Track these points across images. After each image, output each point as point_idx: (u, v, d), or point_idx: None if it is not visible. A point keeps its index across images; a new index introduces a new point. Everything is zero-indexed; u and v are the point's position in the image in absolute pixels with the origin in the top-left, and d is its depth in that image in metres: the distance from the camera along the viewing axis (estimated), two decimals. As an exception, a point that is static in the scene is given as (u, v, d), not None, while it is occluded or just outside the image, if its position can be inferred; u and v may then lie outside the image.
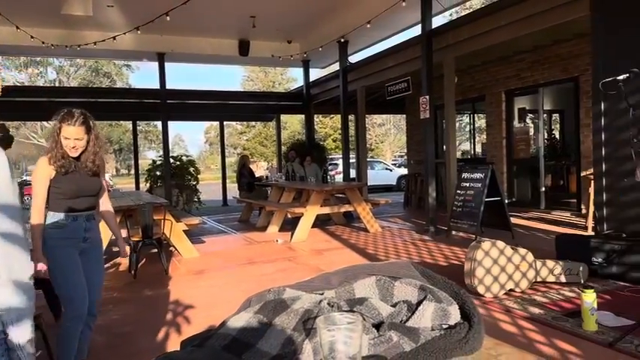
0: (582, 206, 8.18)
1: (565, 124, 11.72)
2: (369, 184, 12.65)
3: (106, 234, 4.17)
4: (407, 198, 11.97)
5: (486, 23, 7.18)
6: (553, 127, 12.45)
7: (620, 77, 3.40)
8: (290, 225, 8.26)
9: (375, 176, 17.94)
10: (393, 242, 7.12)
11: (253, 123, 36.16)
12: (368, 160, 21.30)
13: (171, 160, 11.58)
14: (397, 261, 1.45)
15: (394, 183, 18.62)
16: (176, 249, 6.67)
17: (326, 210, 8.22)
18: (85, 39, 9.61)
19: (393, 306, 1.24)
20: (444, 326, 1.18)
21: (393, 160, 31.22)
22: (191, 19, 9.17)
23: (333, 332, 0.97)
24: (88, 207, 2.81)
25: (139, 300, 4.79)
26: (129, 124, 30.81)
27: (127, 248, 3.21)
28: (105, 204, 3.01)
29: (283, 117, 32.60)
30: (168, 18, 7.90)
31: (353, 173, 12.49)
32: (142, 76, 65.05)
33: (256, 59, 12.66)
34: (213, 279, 5.45)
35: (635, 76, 3.41)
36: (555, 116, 12.30)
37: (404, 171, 16.90)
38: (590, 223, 6.26)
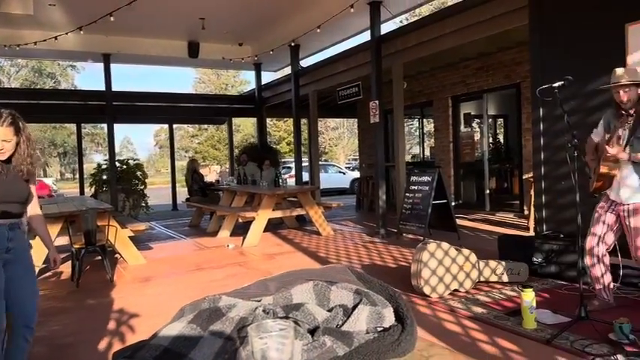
0: (525, 208, 8.51)
1: (508, 128, 12.18)
2: (322, 187, 12.72)
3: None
4: (359, 201, 12.10)
5: (433, 31, 7.37)
6: (497, 132, 12.91)
7: (556, 84, 3.56)
8: (242, 230, 8.18)
9: (329, 179, 18.06)
10: (345, 245, 7.18)
11: (205, 126, 35.62)
12: (321, 163, 21.49)
13: (118, 164, 11.23)
14: (334, 266, 1.47)
15: (347, 186, 18.81)
16: (121, 256, 6.47)
17: (278, 214, 8.20)
18: (24, 38, 9.19)
19: (330, 311, 1.26)
20: (379, 329, 1.20)
21: (346, 164, 31.48)
22: (138, 20, 8.95)
23: (265, 340, 0.97)
24: (12, 215, 2.60)
25: (81, 309, 4.62)
26: (74, 127, 29.71)
27: (58, 258, 3.01)
28: (33, 209, 2.82)
29: (236, 120, 32.37)
30: (112, 18, 7.67)
31: (306, 177, 12.52)
32: (89, 76, 62.89)
33: (207, 61, 12.50)
34: (160, 286, 5.32)
35: (569, 83, 3.59)
36: (499, 121, 12.76)
37: (357, 174, 17.08)
38: (532, 224, 6.52)
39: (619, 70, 3.49)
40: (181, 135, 40.40)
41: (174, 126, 15.49)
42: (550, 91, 3.56)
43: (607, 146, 3.40)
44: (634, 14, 4.34)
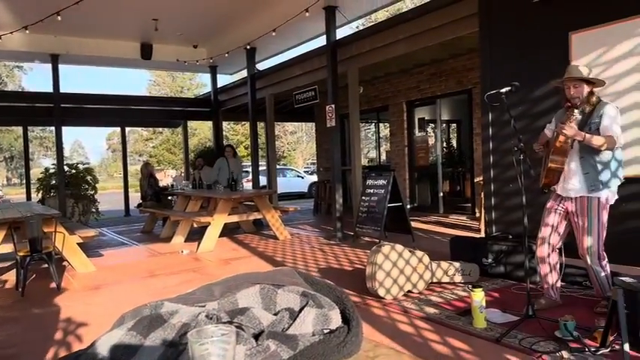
0: (476, 210, 8.75)
1: (461, 133, 12.52)
2: (280, 191, 12.67)
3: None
4: (316, 205, 12.13)
5: (386, 36, 7.49)
6: (450, 137, 13.24)
7: (503, 90, 3.68)
8: (197, 235, 8.04)
9: (287, 184, 18.03)
10: (302, 249, 7.17)
11: (160, 129, 34.89)
12: (279, 167, 21.41)
13: (67, 168, 10.83)
14: (281, 268, 1.46)
15: (306, 190, 18.82)
16: (70, 263, 6.24)
17: (234, 218, 8.11)
18: (-36, 37, 8.75)
19: (276, 314, 1.25)
20: (325, 331, 1.20)
21: (305, 168, 31.51)
22: (88, 20, 8.68)
23: (206, 345, 0.95)
24: None
25: (26, 319, 4.41)
26: (21, 130, 28.46)
27: None
28: None
29: (193, 123, 31.89)
30: (59, 17, 7.40)
31: (264, 181, 12.44)
32: (38, 77, 60.45)
33: (160, 63, 12.26)
34: (111, 294, 5.15)
35: (516, 89, 3.71)
36: (452, 126, 13.09)
37: (316, 178, 17.13)
38: (483, 226, 6.70)
39: (573, 67, 3.61)
40: (135, 138, 39.43)
41: (128, 129, 15.08)
42: (497, 97, 3.67)
43: (562, 127, 3.44)
44: (578, 23, 4.54)
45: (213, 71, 12.38)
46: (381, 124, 13.37)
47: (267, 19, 8.56)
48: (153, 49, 10.92)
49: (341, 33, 8.44)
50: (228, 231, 8.72)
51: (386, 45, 7.53)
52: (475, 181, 8.80)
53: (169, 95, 34.17)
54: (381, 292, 4.25)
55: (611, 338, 2.95)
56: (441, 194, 10.33)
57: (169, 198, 10.44)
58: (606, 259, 3.58)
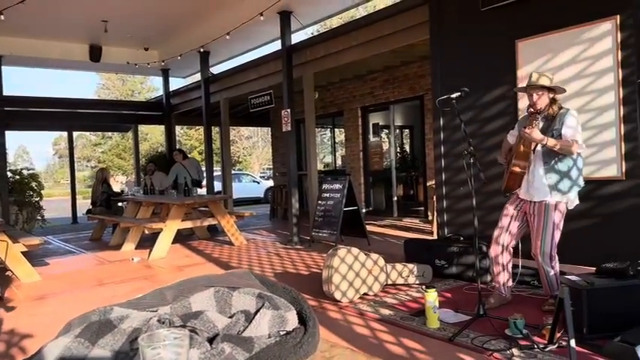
0: (429, 213, 8.93)
1: (414, 138, 12.79)
2: (236, 197, 12.52)
3: None
4: (273, 210, 12.06)
5: (340, 42, 7.56)
6: (404, 142, 13.49)
7: (453, 95, 3.78)
8: (148, 242, 7.82)
9: (243, 189, 17.86)
10: (257, 254, 7.11)
11: (110, 134, 33.85)
12: (235, 172, 21.20)
13: (10, 174, 10.33)
14: (236, 271, 1.44)
15: (262, 195, 18.71)
16: (13, 273, 5.94)
17: (188, 224, 7.94)
18: None
19: (231, 317, 1.23)
20: (282, 333, 1.19)
21: (261, 173, 31.34)
22: (33, 20, 8.33)
23: (159, 350, 0.92)
24: None
25: (-37, 334, 4.16)
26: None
27: None
28: None
29: (144, 128, 31.10)
30: (2, 17, 7.07)
31: (218, 186, 12.26)
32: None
33: (110, 66, 11.88)
34: (57, 304, 4.94)
35: (466, 94, 3.82)
36: (406, 132, 13.35)
37: (272, 183, 17.05)
38: (435, 229, 6.84)
39: (534, 75, 3.71)
40: (83, 144, 38.10)
41: (75, 134, 14.54)
42: (448, 102, 3.78)
43: (526, 132, 3.53)
44: (523, 31, 4.72)
45: (166, 74, 12.12)
46: (336, 130, 13.46)
47: (222, 22, 8.47)
48: (102, 51, 10.59)
49: (297, 38, 8.46)
50: (182, 238, 8.54)
51: (340, 51, 7.60)
52: (428, 184, 8.99)
53: (120, 99, 33.20)
54: (338, 295, 4.26)
55: (559, 335, 3.07)
56: (395, 198, 10.50)
57: (120, 204, 10.13)
58: (557, 260, 3.72)
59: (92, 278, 6.03)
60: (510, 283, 3.98)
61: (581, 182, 3.66)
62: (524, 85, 3.80)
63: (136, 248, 7.96)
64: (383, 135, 12.15)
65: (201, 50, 9.71)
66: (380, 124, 11.44)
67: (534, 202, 3.70)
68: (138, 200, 8.80)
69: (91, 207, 10.05)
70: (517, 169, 3.69)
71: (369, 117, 10.99)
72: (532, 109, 3.70)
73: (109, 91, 37.65)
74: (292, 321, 1.24)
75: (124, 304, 1.24)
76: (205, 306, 1.25)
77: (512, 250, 3.92)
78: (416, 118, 10.60)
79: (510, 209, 3.86)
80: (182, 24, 9.25)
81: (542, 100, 3.64)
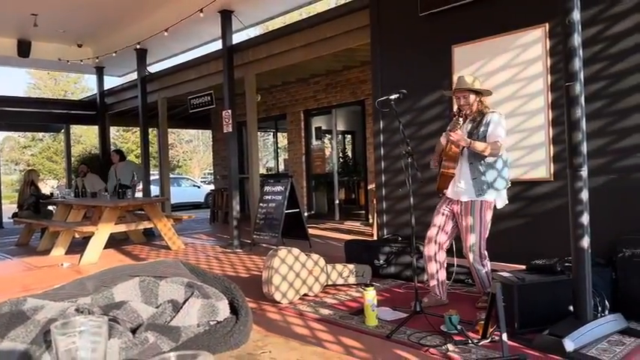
0: (370, 216, 9.04)
1: (355, 144, 12.94)
2: (176, 201, 12.19)
3: None
4: (213, 214, 11.82)
5: (282, 44, 7.54)
6: (346, 147, 13.63)
7: (392, 96, 3.83)
8: (80, 247, 7.43)
9: (183, 193, 17.39)
10: (196, 257, 6.92)
11: (40, 136, 32.11)
12: (175, 176, 20.63)
13: None
14: (164, 260, 1.36)
15: (202, 200, 18.26)
16: None
17: (121, 228, 7.61)
18: None
19: (158, 307, 1.16)
20: (212, 322, 1.14)
21: (202, 178, 30.69)
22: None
23: (74, 338, 0.84)
24: None
25: None
26: None
27: None
28: None
29: (78, 130, 29.71)
30: None
31: (156, 190, 11.87)
32: None
33: (40, 62, 11.26)
34: (-26, 312, 4.57)
35: (404, 96, 3.88)
36: (348, 137, 13.50)
37: (213, 187, 16.73)
38: (375, 231, 6.92)
39: (462, 78, 3.83)
40: (11, 146, 35.91)
41: (2, 135, 13.64)
42: (387, 103, 3.82)
43: (449, 134, 3.65)
44: (459, 37, 4.88)
45: (100, 72, 11.64)
46: (279, 134, 13.41)
47: (159, 19, 8.22)
48: (32, 47, 10.02)
49: (240, 38, 8.36)
50: (115, 242, 8.19)
51: (282, 52, 7.58)
52: (369, 188, 9.11)
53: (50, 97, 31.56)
54: (277, 296, 4.20)
55: (491, 330, 3.16)
56: (337, 202, 10.57)
57: (49, 208, 9.59)
58: (487, 258, 3.83)
59: (17, 285, 5.64)
60: (446, 283, 4.05)
61: (508, 181, 3.79)
62: (455, 85, 3.91)
63: (65, 253, 7.56)
64: (325, 140, 12.22)
65: (138, 47, 9.39)
66: (322, 128, 11.50)
67: (462, 201, 3.80)
68: (68, 203, 8.36)
69: (17, 210, 9.45)
70: (446, 171, 3.78)
71: (311, 121, 11.02)
72: (454, 112, 3.83)
73: (40, 91, 35.65)
74: (223, 310, 1.18)
75: (40, 295, 1.14)
76: (129, 296, 1.17)
77: (446, 249, 4.00)
78: (358, 123, 10.73)
79: (441, 209, 3.95)
80: (118, 19, 8.89)
81: (468, 103, 3.77)
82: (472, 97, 3.77)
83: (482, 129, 3.71)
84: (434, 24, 5.09)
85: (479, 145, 3.60)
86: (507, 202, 3.87)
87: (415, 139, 5.13)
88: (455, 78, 4.85)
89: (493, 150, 3.63)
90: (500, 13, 4.59)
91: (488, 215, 3.79)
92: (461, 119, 3.75)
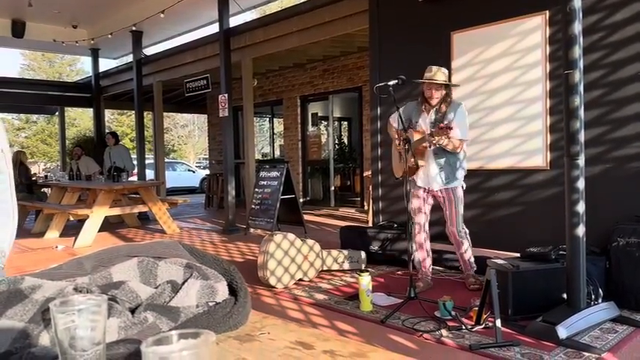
0: (365, 203, 9.06)
1: (352, 131, 12.90)
2: (171, 186, 12.15)
3: None
4: (208, 199, 11.80)
5: (279, 28, 7.47)
6: (342, 134, 13.59)
7: (391, 82, 3.81)
8: (74, 230, 7.43)
9: (178, 178, 17.35)
10: (191, 242, 6.92)
11: (35, 118, 31.86)
12: (170, 161, 20.55)
13: None
14: (163, 240, 1.35)
15: (197, 185, 18.25)
16: None
17: (116, 211, 7.60)
18: None
19: (157, 288, 1.15)
20: (210, 304, 1.13)
21: (197, 162, 30.60)
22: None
23: (72, 317, 0.84)
24: None
25: None
26: None
27: None
28: None
29: (72, 113, 29.48)
30: None
31: (151, 174, 11.83)
32: None
33: (35, 43, 11.13)
34: (-32, 293, 4.57)
35: (402, 82, 3.86)
36: (344, 124, 13.45)
37: (208, 172, 16.70)
38: (370, 217, 6.94)
39: (434, 68, 3.92)
40: (5, 128, 35.57)
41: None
42: (385, 89, 3.80)
43: (432, 139, 3.75)
44: (458, 24, 4.85)
45: (95, 54, 11.51)
46: (275, 119, 13.34)
47: (156, 0, 8.12)
48: (26, 27, 9.89)
49: (237, 22, 8.28)
50: (110, 225, 8.19)
51: (279, 36, 7.51)
52: (365, 175, 9.11)
53: (44, 79, 31.25)
54: (272, 281, 4.21)
55: (485, 316, 3.18)
56: (333, 188, 10.57)
57: (43, 190, 9.54)
58: (468, 232, 4.05)
59: (11, 267, 5.59)
60: (431, 269, 4.20)
61: (465, 166, 4.05)
62: (427, 75, 3.98)
63: (60, 236, 7.55)
64: (322, 126, 12.17)
65: (134, 29, 9.28)
66: (319, 114, 11.44)
67: (440, 189, 3.98)
68: (63, 185, 8.33)
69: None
70: (418, 164, 3.91)
71: (308, 107, 10.97)
72: (427, 104, 3.97)
73: (35, 73, 35.28)
74: (222, 292, 1.18)
75: (37, 274, 1.13)
76: (128, 276, 1.16)
77: (427, 230, 4.14)
78: (354, 110, 10.68)
79: (418, 195, 4.08)
80: (114, 1, 8.79)
81: (440, 95, 3.91)
82: (442, 89, 3.93)
83: (449, 118, 3.86)
84: (433, 10, 5.04)
85: (451, 144, 3.79)
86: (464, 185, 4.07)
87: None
88: (453, 65, 4.87)
89: (461, 146, 3.90)
90: (501, 0, 4.56)
91: (461, 196, 4.00)
92: (421, 122, 3.96)
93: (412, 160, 3.79)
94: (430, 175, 3.97)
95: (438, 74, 3.88)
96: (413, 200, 4.05)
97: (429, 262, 4.13)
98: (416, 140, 3.87)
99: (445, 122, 3.79)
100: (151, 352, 0.66)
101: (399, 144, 3.96)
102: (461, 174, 3.99)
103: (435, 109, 3.93)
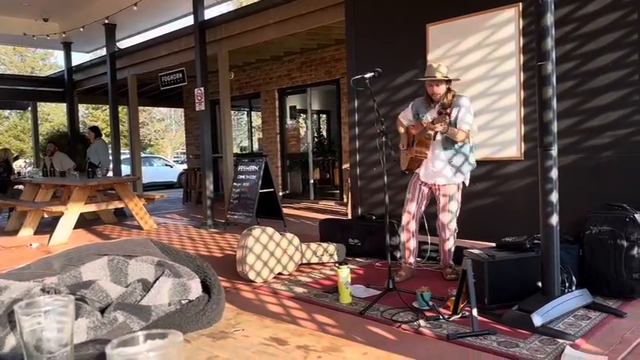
0: (344, 196, 9.08)
1: (330, 123, 12.90)
2: (148, 181, 11.99)
3: None
4: (186, 193, 11.69)
5: (256, 20, 7.41)
6: (321, 127, 13.59)
7: (367, 75, 3.82)
8: (49, 227, 7.28)
9: (155, 173, 17.14)
10: (169, 237, 6.85)
11: (7, 114, 31.07)
12: (146, 156, 20.27)
13: None
14: (133, 238, 1.33)
15: (175, 180, 18.04)
16: None
17: (92, 207, 7.47)
18: None
19: (127, 286, 1.13)
20: (183, 302, 1.12)
21: (174, 157, 30.26)
22: None
23: (39, 318, 0.82)
24: None
25: None
26: None
27: None
28: None
29: (46, 108, 28.83)
30: None
31: (127, 170, 11.66)
32: None
33: (4, 37, 10.84)
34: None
35: (379, 75, 3.87)
36: (323, 117, 13.45)
37: (185, 167, 16.52)
38: (349, 210, 6.96)
39: (434, 65, 3.97)
40: (-26, 123, 34.68)
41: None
42: (362, 82, 3.81)
43: (434, 127, 3.76)
44: (433, 16, 4.87)
45: (67, 48, 11.26)
46: (253, 113, 13.26)
47: (129, -7, 7.97)
48: (-6, 20, 9.63)
49: (212, 14, 8.17)
50: (86, 222, 8.05)
51: (256, 29, 7.45)
52: (343, 167, 9.12)
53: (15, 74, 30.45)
54: (252, 275, 4.20)
55: (462, 305, 3.22)
56: (312, 182, 10.57)
57: (17, 187, 9.33)
58: (457, 231, 4.07)
59: (-18, 266, 5.51)
60: (416, 254, 4.25)
61: (473, 161, 4.06)
62: (427, 73, 4.04)
63: (34, 233, 7.41)
64: (300, 119, 12.14)
65: (107, 22, 9.10)
66: (297, 107, 11.41)
67: (439, 184, 4.02)
68: (36, 182, 8.15)
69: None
70: (420, 155, 3.97)
71: (286, 100, 10.92)
72: (431, 101, 4.01)
73: (5, 67, 34.38)
74: (196, 289, 1.16)
75: (3, 275, 1.10)
76: (98, 275, 1.14)
77: (418, 220, 4.18)
78: (332, 103, 10.68)
79: (416, 184, 4.13)
80: (85, -7, 8.60)
81: (441, 90, 3.94)
82: (444, 84, 3.96)
83: (453, 114, 3.90)
84: (409, 2, 5.05)
85: (457, 135, 3.83)
86: (469, 180, 4.10)
87: (389, 117, 5.12)
88: (429, 57, 4.88)
89: (467, 137, 3.92)
90: (475, -8, 4.58)
91: (460, 194, 4.04)
92: (428, 116, 3.95)
93: (416, 149, 3.90)
94: (432, 166, 4.00)
95: (438, 70, 3.91)
96: (410, 189, 4.13)
97: (412, 244, 4.16)
98: (419, 132, 3.94)
99: (451, 113, 3.87)
100: (117, 353, 0.65)
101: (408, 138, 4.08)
102: (467, 168, 4.02)
103: (439, 103, 3.98)
